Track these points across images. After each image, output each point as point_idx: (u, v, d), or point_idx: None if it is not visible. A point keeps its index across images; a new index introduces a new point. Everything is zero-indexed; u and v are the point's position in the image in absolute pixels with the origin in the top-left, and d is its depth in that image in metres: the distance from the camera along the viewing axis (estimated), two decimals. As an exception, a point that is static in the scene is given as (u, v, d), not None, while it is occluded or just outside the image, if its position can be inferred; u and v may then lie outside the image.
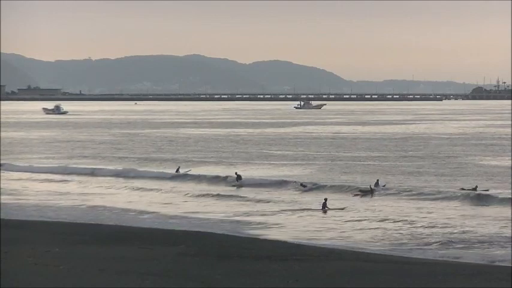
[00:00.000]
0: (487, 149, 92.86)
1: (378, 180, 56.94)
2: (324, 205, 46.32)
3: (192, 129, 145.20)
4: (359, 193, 53.10)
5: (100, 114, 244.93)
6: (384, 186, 55.54)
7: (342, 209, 46.54)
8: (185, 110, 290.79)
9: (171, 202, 51.82)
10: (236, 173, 62.20)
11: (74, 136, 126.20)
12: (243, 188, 58.00)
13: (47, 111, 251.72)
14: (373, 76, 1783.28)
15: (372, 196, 52.29)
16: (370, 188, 53.99)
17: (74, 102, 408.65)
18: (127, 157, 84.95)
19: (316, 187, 56.35)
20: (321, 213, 45.46)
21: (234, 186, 59.58)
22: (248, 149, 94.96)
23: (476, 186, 54.27)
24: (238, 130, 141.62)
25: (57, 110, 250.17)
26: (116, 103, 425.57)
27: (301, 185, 56.64)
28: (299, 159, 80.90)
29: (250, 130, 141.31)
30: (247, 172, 66.71)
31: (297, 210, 46.80)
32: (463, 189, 54.03)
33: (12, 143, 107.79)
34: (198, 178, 63.65)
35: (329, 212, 45.70)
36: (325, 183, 57.77)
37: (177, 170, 67.87)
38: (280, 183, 58.66)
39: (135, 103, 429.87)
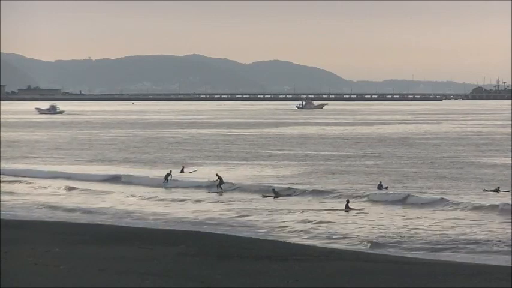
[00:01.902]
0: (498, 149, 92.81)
1: (380, 182, 56.92)
2: (347, 206, 47.28)
3: (187, 130, 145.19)
4: (268, 195, 53.32)
5: (97, 114, 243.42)
6: (386, 188, 55.49)
7: (362, 209, 47.16)
8: (183, 110, 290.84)
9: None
10: (168, 173, 61.64)
11: (59, 136, 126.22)
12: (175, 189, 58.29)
13: (40, 111, 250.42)
14: (373, 76, 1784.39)
15: (274, 198, 52.34)
16: (273, 191, 53.96)
17: (73, 102, 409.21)
18: (116, 159, 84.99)
19: (234, 188, 56.93)
20: (343, 213, 45.96)
21: (166, 187, 59.31)
22: (245, 149, 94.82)
23: (499, 188, 54.08)
24: (239, 130, 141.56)
25: (52, 110, 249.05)
26: (114, 103, 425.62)
27: (218, 186, 57.34)
28: (292, 159, 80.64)
29: (252, 130, 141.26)
30: (228, 172, 67.06)
31: (321, 210, 47.07)
32: (485, 190, 53.99)
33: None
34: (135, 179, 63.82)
35: (350, 212, 46.17)
36: (244, 184, 58.32)
37: (182, 170, 67.61)
38: (210, 186, 58.71)
39: (133, 103, 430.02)
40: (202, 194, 55.49)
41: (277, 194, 53.56)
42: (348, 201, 47.92)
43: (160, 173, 65.13)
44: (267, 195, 53.51)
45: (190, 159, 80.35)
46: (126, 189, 58.74)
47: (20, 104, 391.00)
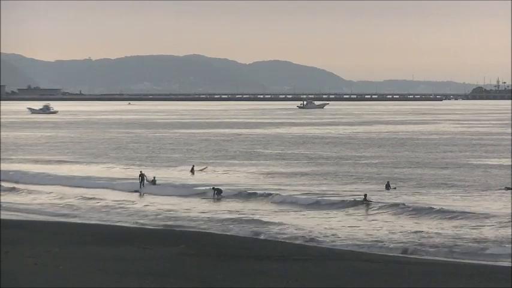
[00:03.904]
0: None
1: (388, 182, 56.90)
2: (364, 199, 48.02)
3: (183, 130, 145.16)
4: (206, 197, 53.20)
5: (91, 114, 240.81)
6: (394, 188, 55.46)
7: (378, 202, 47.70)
8: (182, 110, 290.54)
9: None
10: (153, 177, 59.89)
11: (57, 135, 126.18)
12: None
13: (33, 111, 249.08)
14: (373, 76, 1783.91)
15: (215, 200, 51.99)
16: (213, 189, 53.59)
17: (72, 102, 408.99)
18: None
19: (160, 188, 56.84)
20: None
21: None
22: (246, 149, 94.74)
23: None
24: (241, 130, 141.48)
25: (46, 110, 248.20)
26: (109, 103, 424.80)
27: (140, 184, 57.35)
28: (291, 159, 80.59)
29: (258, 130, 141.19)
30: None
31: (343, 208, 47.33)
32: (507, 188, 53.90)
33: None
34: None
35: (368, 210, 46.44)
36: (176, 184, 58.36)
37: (192, 170, 67.50)
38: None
39: (129, 103, 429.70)
40: (121, 195, 54.99)
41: (219, 195, 52.82)
42: (365, 195, 48.41)
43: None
44: (206, 197, 52.92)
45: (192, 160, 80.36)
46: (56, 190, 58.21)
47: (17, 104, 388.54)
